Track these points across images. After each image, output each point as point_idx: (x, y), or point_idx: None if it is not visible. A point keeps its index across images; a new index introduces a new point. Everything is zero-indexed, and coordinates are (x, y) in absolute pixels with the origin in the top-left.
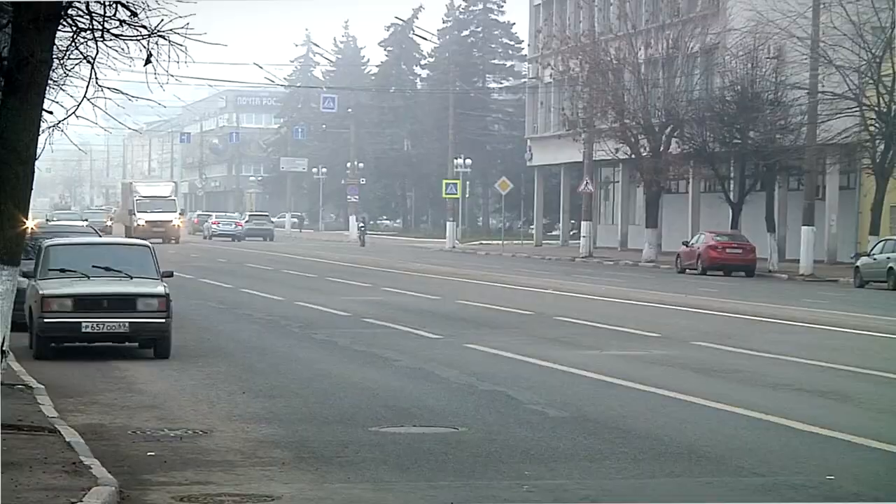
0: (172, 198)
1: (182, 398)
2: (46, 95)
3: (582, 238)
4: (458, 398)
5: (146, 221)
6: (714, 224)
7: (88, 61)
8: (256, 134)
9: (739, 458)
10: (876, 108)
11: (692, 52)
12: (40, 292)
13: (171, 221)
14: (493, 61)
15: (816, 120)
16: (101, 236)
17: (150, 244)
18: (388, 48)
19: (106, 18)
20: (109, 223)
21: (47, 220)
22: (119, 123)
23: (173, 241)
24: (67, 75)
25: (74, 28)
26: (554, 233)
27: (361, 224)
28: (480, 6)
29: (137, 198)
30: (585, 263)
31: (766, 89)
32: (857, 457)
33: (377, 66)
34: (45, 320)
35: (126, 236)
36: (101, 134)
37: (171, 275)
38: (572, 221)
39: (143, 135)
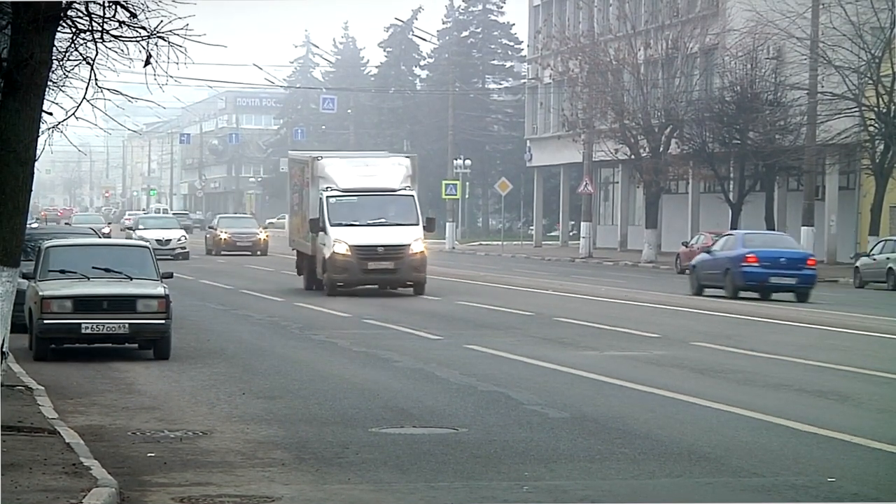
0: (405, 190)
1: (182, 399)
2: (46, 97)
3: (581, 239)
4: (458, 399)
5: (352, 247)
6: (714, 224)
7: (88, 62)
8: (256, 135)
9: (739, 459)
10: (875, 109)
11: (691, 53)
12: (40, 293)
13: (408, 245)
14: (492, 62)
15: (816, 120)
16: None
17: (149, 244)
18: (388, 49)
19: (105, 20)
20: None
21: (126, 228)
22: (119, 124)
23: (409, 285)
24: (67, 76)
25: (74, 29)
26: (553, 233)
27: None
28: (480, 7)
29: (330, 194)
30: (585, 264)
31: (765, 90)
32: (857, 457)
33: (377, 66)
34: (45, 321)
35: (303, 271)
36: (100, 135)
37: (170, 276)
38: (572, 222)
39: (143, 136)
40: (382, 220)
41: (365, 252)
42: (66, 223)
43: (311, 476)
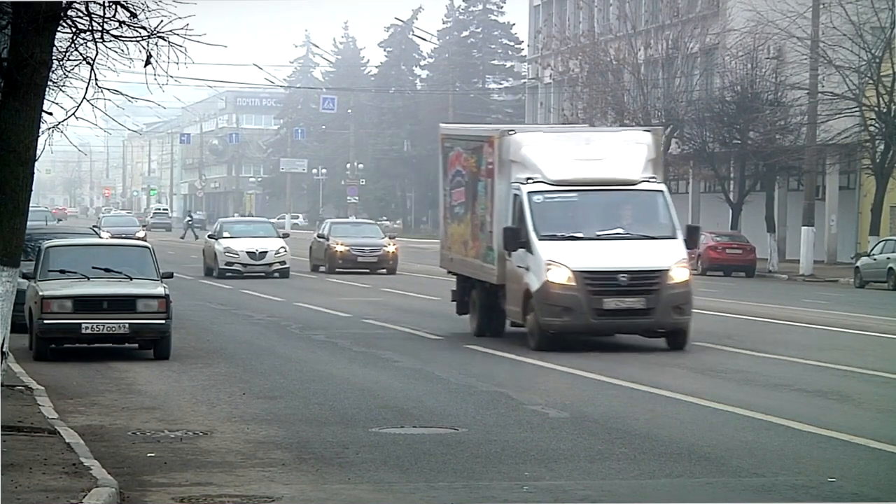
0: (651, 183)
1: (182, 399)
2: (46, 96)
3: None
4: (458, 399)
5: (577, 274)
6: (714, 224)
7: (88, 62)
8: (256, 135)
9: (739, 459)
10: (876, 109)
11: (692, 53)
12: (40, 293)
13: (666, 271)
14: (492, 62)
15: (816, 120)
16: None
17: (149, 244)
18: (388, 49)
19: (105, 19)
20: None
21: (208, 237)
22: (119, 124)
23: (661, 333)
24: (67, 76)
25: (74, 29)
26: None
27: (189, 219)
28: (480, 7)
29: (535, 188)
30: None
31: (765, 90)
32: (857, 457)
33: (377, 66)
34: (45, 321)
35: (472, 307)
36: (100, 135)
37: (170, 276)
38: None
39: (143, 136)
40: (620, 232)
41: (599, 282)
42: (94, 227)
43: (311, 476)
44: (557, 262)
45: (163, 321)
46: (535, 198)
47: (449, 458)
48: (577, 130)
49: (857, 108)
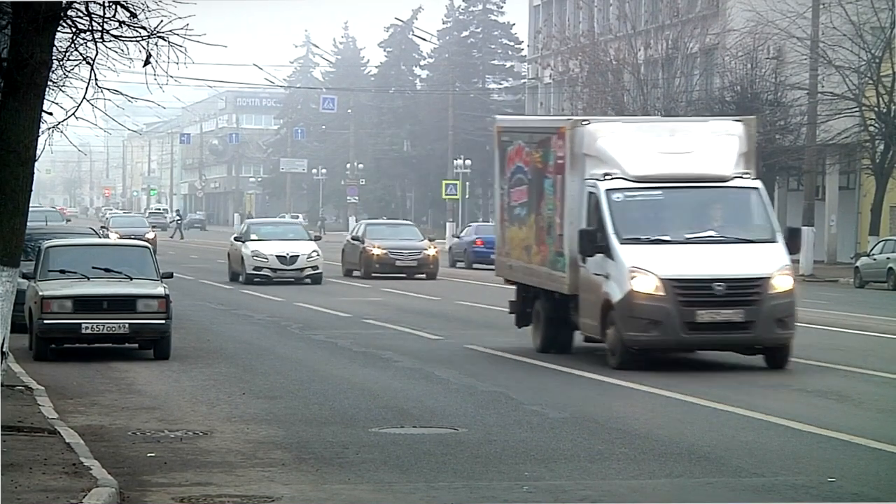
0: (744, 179)
1: (182, 399)
2: (46, 96)
3: None
4: (458, 399)
5: (666, 283)
6: None
7: (88, 62)
8: (256, 135)
9: (739, 459)
10: (875, 109)
11: (691, 53)
12: (40, 293)
13: (768, 279)
14: (492, 62)
15: (816, 120)
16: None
17: (149, 245)
18: (388, 49)
19: (105, 19)
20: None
21: (235, 238)
22: (119, 124)
23: (758, 349)
24: (67, 76)
25: (74, 29)
26: None
27: (178, 217)
28: (480, 7)
29: (614, 185)
30: None
31: (765, 90)
32: (857, 457)
33: (377, 66)
34: (45, 321)
35: (536, 319)
36: (100, 135)
37: (170, 276)
38: None
39: (143, 136)
40: (712, 234)
41: (691, 292)
42: (102, 227)
43: (311, 476)
44: (643, 269)
45: (163, 321)
46: (615, 196)
47: (449, 458)
48: (658, 120)
49: (856, 108)
